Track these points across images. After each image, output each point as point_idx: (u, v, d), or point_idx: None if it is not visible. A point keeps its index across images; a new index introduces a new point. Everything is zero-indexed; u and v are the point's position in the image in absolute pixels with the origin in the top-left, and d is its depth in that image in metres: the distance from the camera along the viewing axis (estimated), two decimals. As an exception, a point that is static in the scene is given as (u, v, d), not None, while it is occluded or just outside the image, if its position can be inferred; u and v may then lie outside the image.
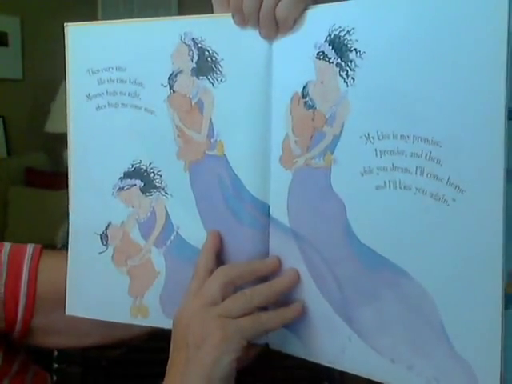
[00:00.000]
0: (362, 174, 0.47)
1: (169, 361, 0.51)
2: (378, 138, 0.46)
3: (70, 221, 0.62)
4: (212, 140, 0.56)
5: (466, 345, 0.44)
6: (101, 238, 0.61)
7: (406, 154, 0.44)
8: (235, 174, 0.55)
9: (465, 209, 0.41)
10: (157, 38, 0.57)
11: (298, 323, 0.54)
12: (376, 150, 0.46)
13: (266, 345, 0.56)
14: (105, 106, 0.59)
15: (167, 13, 2.88)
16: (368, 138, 0.47)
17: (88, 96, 0.60)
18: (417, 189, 0.44)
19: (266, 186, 0.55)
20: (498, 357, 0.41)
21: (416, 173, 0.43)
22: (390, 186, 0.46)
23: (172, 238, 0.59)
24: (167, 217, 0.59)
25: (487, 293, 0.41)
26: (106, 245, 0.61)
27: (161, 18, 0.58)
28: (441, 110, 0.42)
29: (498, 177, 0.39)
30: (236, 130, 0.55)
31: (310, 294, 0.53)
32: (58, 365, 0.87)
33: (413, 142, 0.43)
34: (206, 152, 0.56)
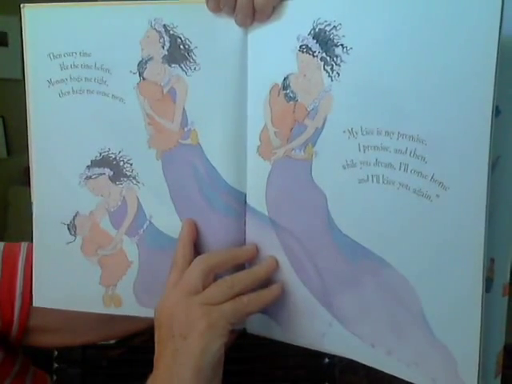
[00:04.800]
0: (345, 168, 0.48)
1: (155, 353, 0.51)
2: (362, 134, 0.46)
3: (34, 211, 0.60)
4: (186, 129, 0.55)
5: (445, 330, 0.45)
6: (68, 228, 0.60)
7: (390, 150, 0.45)
8: (210, 163, 0.55)
9: (448, 205, 0.42)
10: (124, 23, 0.55)
11: (276, 308, 0.55)
12: (359, 144, 0.47)
13: (244, 330, 0.58)
14: (69, 93, 0.57)
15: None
16: (351, 132, 0.47)
17: (50, 81, 0.57)
18: (400, 184, 0.45)
19: (242, 175, 0.55)
20: (477, 342, 0.43)
21: (400, 169, 0.44)
22: (372, 180, 0.46)
23: (145, 227, 0.58)
24: (139, 206, 0.58)
25: (468, 282, 0.43)
26: (74, 235, 0.60)
27: (129, 1, 0.55)
28: (428, 107, 0.42)
29: (483, 175, 0.40)
30: (211, 119, 0.54)
31: (290, 281, 0.54)
32: (58, 365, 0.87)
33: (397, 139, 0.44)
34: (180, 141, 0.56)
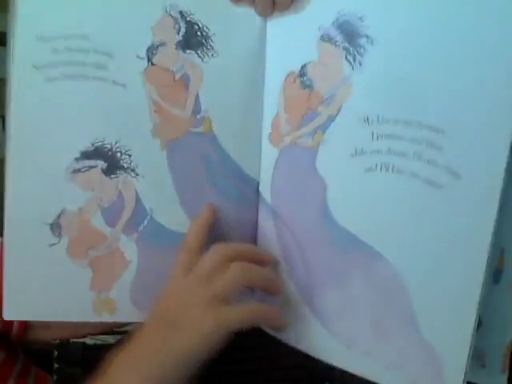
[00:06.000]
0: (353, 156, 0.47)
1: (143, 327, 0.47)
2: (378, 122, 0.45)
3: (7, 210, 0.53)
4: (198, 116, 0.53)
5: (435, 330, 0.43)
6: (51, 228, 0.54)
7: (405, 139, 0.43)
8: (224, 150, 0.54)
9: (458, 196, 0.40)
10: (136, 7, 0.52)
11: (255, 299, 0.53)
12: (373, 133, 0.45)
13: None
14: (58, 78, 0.52)
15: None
16: (366, 121, 0.46)
17: (35, 66, 0.51)
18: (411, 173, 0.43)
19: (257, 163, 0.54)
20: (468, 345, 0.40)
21: (413, 158, 0.43)
22: (381, 169, 0.45)
23: (145, 223, 0.54)
24: (138, 200, 0.54)
25: (467, 282, 0.41)
26: (59, 236, 0.54)
27: None
28: (449, 98, 0.41)
29: (500, 167, 0.38)
30: (226, 107, 0.53)
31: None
32: (58, 365, 0.85)
33: (415, 128, 0.42)
34: (190, 129, 0.53)
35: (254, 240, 0.55)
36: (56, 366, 0.82)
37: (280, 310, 0.50)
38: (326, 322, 0.49)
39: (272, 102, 0.53)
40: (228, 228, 0.54)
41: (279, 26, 0.52)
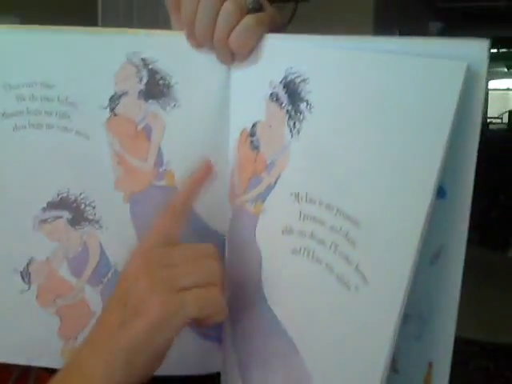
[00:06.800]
0: (283, 233, 0.44)
1: (105, 307, 0.46)
2: (306, 201, 0.42)
3: None
4: (160, 169, 0.52)
5: None
6: (22, 276, 0.53)
7: (326, 226, 0.40)
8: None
9: (365, 301, 0.37)
10: (98, 54, 0.51)
11: None
12: (301, 212, 0.42)
13: None
14: (24, 127, 0.51)
15: (166, 18, 2.74)
16: (297, 197, 0.43)
17: (3, 114, 0.51)
18: (326, 265, 0.40)
19: (224, 217, 0.52)
20: None
21: (330, 248, 0.39)
22: (303, 254, 0.42)
23: (109, 275, 0.53)
24: (102, 252, 0.53)
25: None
26: (29, 283, 0.53)
27: (105, 29, 0.52)
28: (369, 187, 0.37)
29: (404, 273, 0.34)
30: (189, 160, 0.50)
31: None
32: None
33: (335, 215, 0.39)
34: (153, 182, 0.52)
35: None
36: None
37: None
38: None
39: (231, 157, 0.50)
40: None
41: (240, 76, 0.49)
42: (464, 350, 2.23)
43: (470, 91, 0.33)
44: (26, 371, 0.67)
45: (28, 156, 0.52)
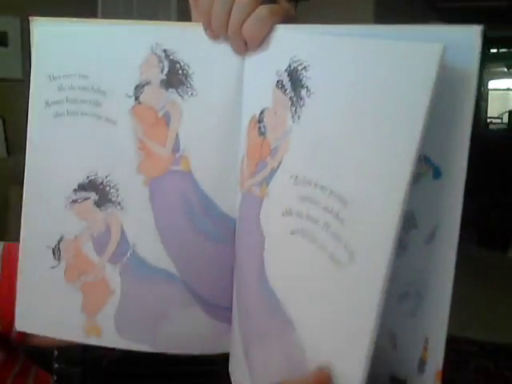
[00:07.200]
0: (284, 215, 0.45)
1: None
2: (303, 183, 0.43)
3: (22, 233, 0.58)
4: (177, 155, 0.54)
5: None
6: (53, 252, 0.58)
7: (320, 207, 0.41)
8: (202, 190, 0.55)
9: (353, 277, 0.38)
10: (127, 45, 0.54)
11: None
12: (299, 194, 0.44)
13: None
14: (63, 114, 0.56)
15: (166, 13, 2.68)
16: (295, 179, 0.44)
17: (47, 102, 0.56)
18: (320, 245, 0.41)
19: (235, 202, 0.54)
20: None
21: (323, 228, 0.41)
22: (301, 235, 0.43)
23: (128, 255, 0.56)
24: (122, 233, 0.56)
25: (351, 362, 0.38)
26: (59, 259, 0.58)
27: (131, 21, 0.55)
28: (358, 169, 0.38)
29: (385, 253, 0.35)
30: (204, 146, 0.54)
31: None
32: (58, 365, 0.88)
33: (328, 196, 0.40)
34: (170, 167, 0.55)
35: (231, 276, 0.56)
36: (56, 365, 0.86)
37: None
38: (252, 372, 0.50)
39: (242, 144, 0.53)
40: (207, 265, 0.55)
41: (253, 65, 0.51)
42: (464, 350, 2.23)
43: (463, 72, 0.34)
44: (24, 369, 0.68)
45: (64, 141, 0.56)
